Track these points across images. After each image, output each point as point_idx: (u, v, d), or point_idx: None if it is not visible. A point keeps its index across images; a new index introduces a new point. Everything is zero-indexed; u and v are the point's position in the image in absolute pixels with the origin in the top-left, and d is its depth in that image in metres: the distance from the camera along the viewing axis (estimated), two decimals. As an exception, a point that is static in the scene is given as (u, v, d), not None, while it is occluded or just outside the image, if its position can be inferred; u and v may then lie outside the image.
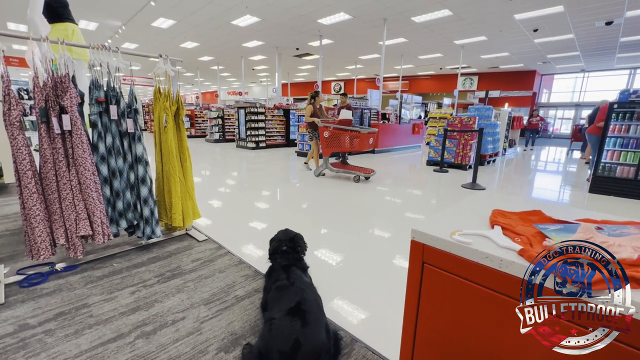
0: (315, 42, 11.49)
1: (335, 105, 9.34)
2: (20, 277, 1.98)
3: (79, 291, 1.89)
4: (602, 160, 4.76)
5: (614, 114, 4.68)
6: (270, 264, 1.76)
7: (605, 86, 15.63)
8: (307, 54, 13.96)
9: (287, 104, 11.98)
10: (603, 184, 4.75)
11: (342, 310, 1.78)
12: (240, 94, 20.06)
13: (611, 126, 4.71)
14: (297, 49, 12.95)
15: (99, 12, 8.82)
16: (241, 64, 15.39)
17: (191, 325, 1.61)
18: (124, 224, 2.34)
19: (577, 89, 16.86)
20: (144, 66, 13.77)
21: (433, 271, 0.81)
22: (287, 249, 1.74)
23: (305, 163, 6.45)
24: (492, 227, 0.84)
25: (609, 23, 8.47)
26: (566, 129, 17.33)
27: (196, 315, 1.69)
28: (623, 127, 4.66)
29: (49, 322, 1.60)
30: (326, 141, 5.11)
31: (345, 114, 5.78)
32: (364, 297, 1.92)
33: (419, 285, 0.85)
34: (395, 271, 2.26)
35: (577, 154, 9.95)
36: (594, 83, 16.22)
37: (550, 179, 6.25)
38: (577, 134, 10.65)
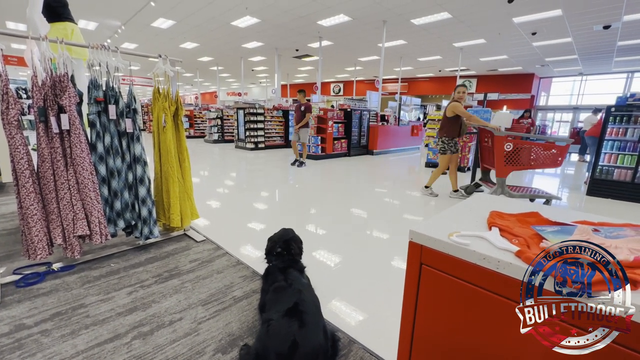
0: (315, 43, 11.50)
1: (333, 107, 9.33)
2: (16, 277, 1.97)
3: (75, 291, 1.88)
4: (600, 163, 4.79)
5: (611, 117, 4.71)
6: (267, 265, 1.75)
7: (603, 89, 15.71)
8: (307, 56, 13.97)
9: (287, 105, 11.99)
10: (600, 186, 4.77)
11: (340, 311, 1.78)
12: (239, 94, 20.07)
13: (609, 129, 4.74)
14: (297, 50, 12.96)
15: (99, 12, 8.81)
16: (241, 65, 15.39)
17: (188, 326, 1.60)
18: (121, 224, 2.34)
19: (575, 92, 16.94)
20: (144, 66, 13.76)
21: (431, 272, 0.82)
22: (283, 251, 1.73)
23: (425, 187, 4.58)
24: (490, 228, 0.84)
25: (606, 27, 8.52)
26: (564, 131, 17.39)
27: (193, 316, 1.68)
28: (620, 130, 4.69)
29: (45, 322, 1.59)
30: (507, 157, 3.84)
31: (506, 117, 4.41)
32: (362, 298, 1.92)
33: (416, 286, 0.85)
34: (393, 272, 2.26)
35: (574, 157, 9.99)
36: (591, 86, 16.29)
37: (548, 181, 6.27)
38: (575, 137, 10.69)
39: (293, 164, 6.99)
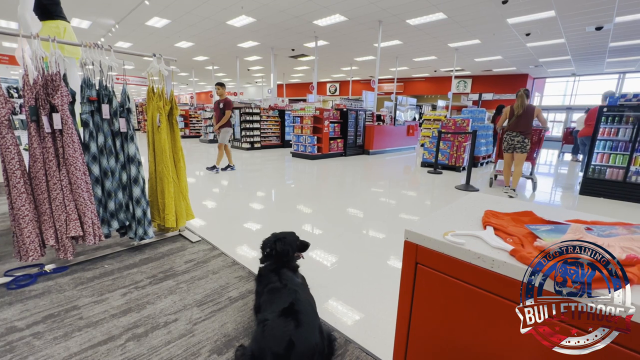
0: (311, 43, 11.50)
1: (332, 107, 9.33)
2: (8, 279, 1.94)
3: (68, 293, 1.85)
4: (592, 163, 4.85)
5: (603, 117, 4.77)
6: (261, 266, 1.74)
7: (595, 90, 15.93)
8: (303, 55, 13.96)
9: (283, 105, 11.97)
10: (593, 186, 4.83)
11: (336, 311, 1.78)
12: (235, 94, 19.97)
13: (601, 129, 4.80)
14: (293, 49, 12.94)
15: (92, 10, 8.71)
16: (236, 64, 15.33)
17: (183, 327, 1.59)
18: (115, 224, 2.31)
19: (568, 93, 17.16)
20: (138, 65, 13.65)
21: (426, 271, 0.82)
22: (277, 251, 1.71)
23: (513, 190, 4.60)
24: (485, 227, 0.85)
25: (599, 28, 8.64)
26: (557, 131, 17.59)
27: (189, 317, 1.67)
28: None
29: (38, 325, 1.57)
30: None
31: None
32: (358, 298, 1.92)
33: (412, 285, 0.85)
34: (389, 272, 2.26)
35: (568, 157, 10.11)
36: (584, 87, 16.51)
37: (542, 181, 6.33)
38: (568, 137, 10.81)
39: (211, 169, 5.96)
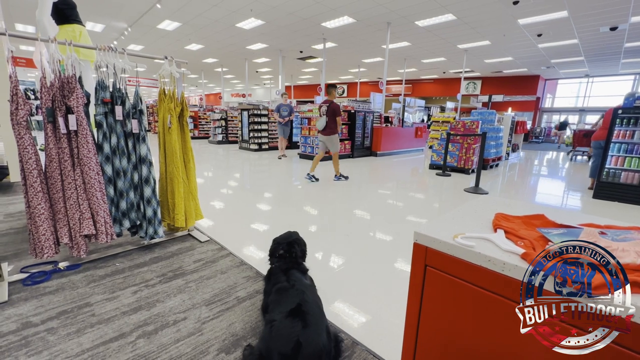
0: (319, 45, 11.55)
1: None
2: (23, 275, 2.00)
3: (81, 290, 1.90)
4: (607, 166, 4.73)
5: (618, 120, 4.66)
6: (270, 267, 1.75)
7: (610, 91, 15.58)
8: (311, 57, 14.03)
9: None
10: (607, 189, 4.72)
11: (343, 313, 1.78)
12: (243, 95, 20.17)
13: (615, 131, 4.69)
14: (301, 51, 13.02)
15: (106, 14, 8.93)
16: (245, 66, 15.48)
17: (192, 325, 1.61)
18: (127, 223, 2.35)
19: (581, 94, 16.82)
20: (149, 67, 13.90)
21: (435, 274, 0.81)
22: (286, 253, 1.72)
23: None
24: (495, 230, 0.84)
25: (613, 28, 8.46)
26: (569, 133, 17.23)
27: (197, 315, 1.69)
28: (628, 132, 4.63)
29: (52, 321, 1.61)
30: None
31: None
32: (365, 300, 1.92)
33: (421, 288, 0.85)
34: (397, 274, 2.25)
35: (580, 158, 9.89)
36: (598, 88, 16.17)
37: (554, 184, 6.21)
38: (581, 139, 10.58)
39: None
